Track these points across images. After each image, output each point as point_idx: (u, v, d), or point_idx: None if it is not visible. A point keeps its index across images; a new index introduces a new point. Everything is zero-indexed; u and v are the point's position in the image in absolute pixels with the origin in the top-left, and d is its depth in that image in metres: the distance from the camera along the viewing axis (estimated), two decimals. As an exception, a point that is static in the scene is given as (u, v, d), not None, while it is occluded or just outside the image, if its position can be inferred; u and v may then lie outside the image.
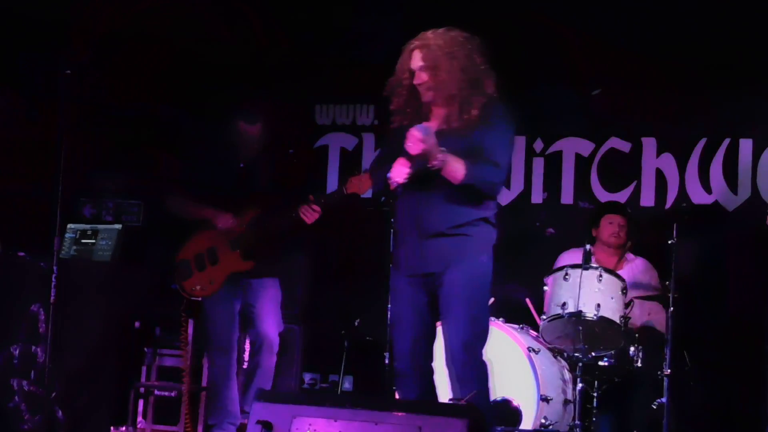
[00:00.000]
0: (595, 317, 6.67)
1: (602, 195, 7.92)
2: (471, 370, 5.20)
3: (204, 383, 7.28)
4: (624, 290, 6.81)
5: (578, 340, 6.72)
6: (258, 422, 4.64)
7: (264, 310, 6.92)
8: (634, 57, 7.66)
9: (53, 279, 5.92)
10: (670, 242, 6.61)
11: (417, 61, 5.23)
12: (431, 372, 5.36)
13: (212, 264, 6.86)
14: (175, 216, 7.02)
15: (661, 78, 7.70)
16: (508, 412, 6.67)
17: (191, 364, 7.18)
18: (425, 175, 5.14)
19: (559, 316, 6.74)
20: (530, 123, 7.84)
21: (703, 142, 7.77)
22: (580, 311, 6.68)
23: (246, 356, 7.28)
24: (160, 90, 8.38)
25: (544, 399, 6.67)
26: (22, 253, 6.47)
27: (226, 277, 6.83)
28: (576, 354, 6.74)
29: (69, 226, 7.33)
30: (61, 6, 7.83)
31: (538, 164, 8.10)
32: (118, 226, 7.39)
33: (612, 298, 6.75)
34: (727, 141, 7.72)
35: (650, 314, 7.24)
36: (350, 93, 8.38)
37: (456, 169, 5.13)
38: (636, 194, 7.88)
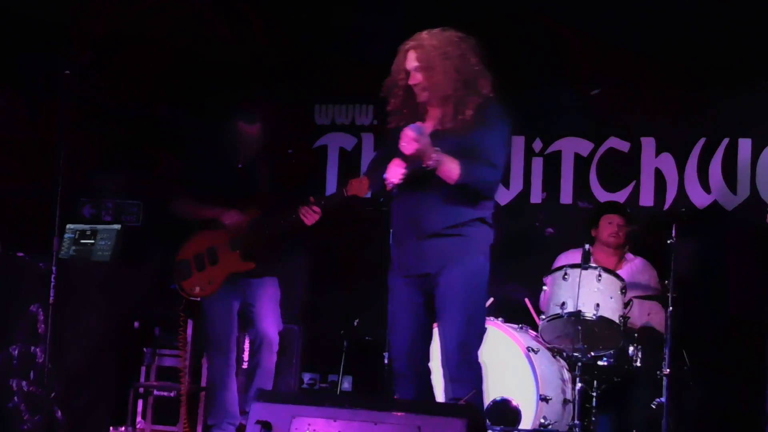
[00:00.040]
0: (594, 317, 6.67)
1: (601, 195, 7.92)
2: (465, 370, 5.20)
3: (203, 383, 7.28)
4: (623, 290, 6.81)
5: (577, 340, 6.72)
6: (257, 422, 4.65)
7: (263, 309, 6.92)
8: (633, 57, 7.66)
9: (52, 279, 5.93)
10: (669, 242, 6.60)
11: (412, 61, 5.23)
12: (428, 372, 5.36)
13: (212, 264, 6.86)
14: (180, 218, 7.02)
15: (660, 78, 7.70)
16: (508, 412, 6.67)
17: (191, 364, 7.18)
18: (421, 175, 5.14)
19: (559, 316, 6.74)
20: (529, 123, 7.85)
21: (702, 141, 7.77)
22: (580, 311, 6.68)
23: (245, 356, 7.28)
24: (160, 90, 8.38)
25: (544, 399, 6.68)
26: (21, 254, 6.48)
27: (225, 278, 6.84)
28: (575, 354, 6.74)
29: (68, 226, 7.32)
30: (61, 6, 7.83)
31: (537, 164, 8.10)
32: (118, 227, 7.38)
33: (611, 298, 6.75)
34: (726, 141, 7.72)
35: (650, 314, 7.24)
36: (349, 93, 8.38)
37: (451, 168, 5.13)
38: (635, 194, 7.88)
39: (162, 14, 8.01)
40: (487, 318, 6.76)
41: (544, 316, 6.85)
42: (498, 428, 6.61)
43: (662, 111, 7.83)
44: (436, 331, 5.34)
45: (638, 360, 6.87)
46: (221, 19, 8.23)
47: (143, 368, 7.47)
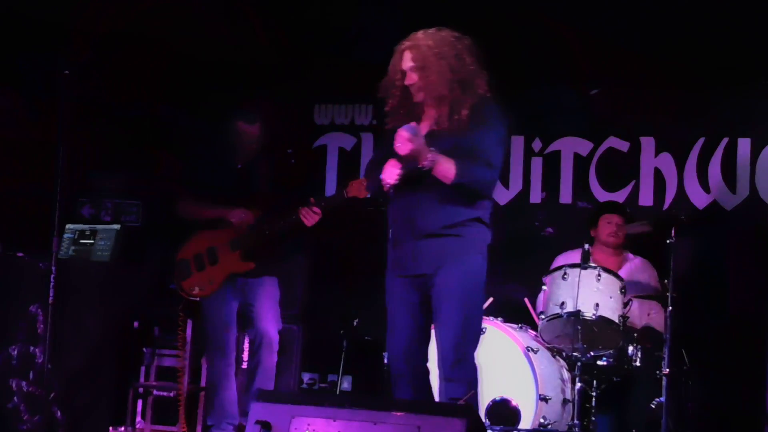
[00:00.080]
0: (593, 317, 6.68)
1: (601, 194, 7.92)
2: (460, 370, 5.19)
3: (203, 383, 7.28)
4: (623, 290, 6.81)
5: (577, 340, 6.72)
6: (257, 422, 4.65)
7: (263, 308, 6.92)
8: (632, 57, 7.66)
9: (52, 279, 5.92)
10: (668, 242, 6.60)
11: (407, 61, 5.23)
12: (426, 372, 5.35)
13: (211, 264, 6.86)
14: (185, 218, 7.02)
15: (659, 77, 7.70)
16: (507, 412, 6.67)
17: (190, 364, 7.18)
18: (417, 175, 5.14)
19: (558, 316, 6.74)
20: (529, 123, 7.86)
21: (701, 141, 7.77)
22: (579, 311, 6.68)
23: (245, 356, 7.28)
24: (159, 90, 8.38)
25: (543, 398, 6.67)
26: (21, 254, 6.48)
27: (225, 278, 6.84)
28: (575, 353, 6.74)
29: (67, 226, 7.32)
30: (61, 6, 7.83)
31: (537, 164, 8.10)
32: (117, 227, 7.38)
33: (611, 298, 6.75)
34: (725, 140, 7.72)
35: (650, 314, 7.24)
36: (349, 93, 8.38)
37: (447, 168, 5.13)
38: (634, 194, 7.88)
39: (162, 14, 8.01)
40: (487, 318, 6.79)
41: (543, 316, 6.85)
42: (497, 428, 6.61)
43: (662, 111, 7.83)
44: (434, 332, 5.35)
45: (638, 360, 6.87)
46: (221, 19, 8.23)
47: (143, 368, 7.46)
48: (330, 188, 8.34)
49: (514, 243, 7.39)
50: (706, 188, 7.74)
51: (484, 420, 6.31)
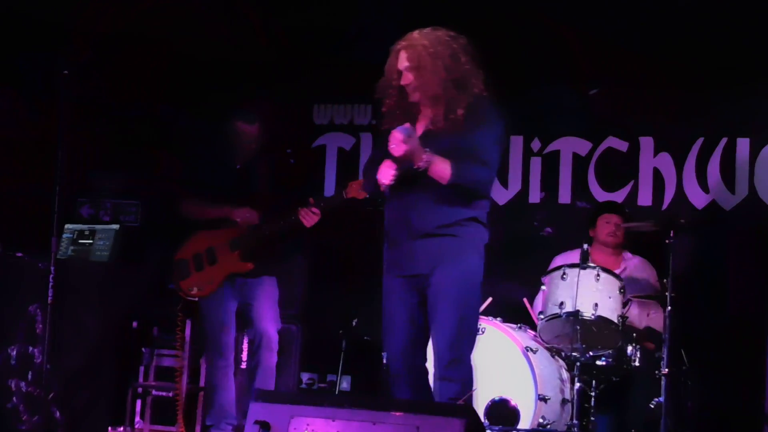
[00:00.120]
0: (592, 317, 6.67)
1: (600, 194, 7.92)
2: (454, 370, 5.17)
3: (202, 383, 7.28)
4: (622, 290, 6.81)
5: (576, 340, 6.72)
6: (256, 422, 4.65)
7: (262, 308, 6.92)
8: (631, 57, 7.66)
9: (51, 279, 5.92)
10: (667, 241, 6.61)
11: (403, 61, 5.22)
12: (425, 372, 5.34)
13: (210, 264, 6.87)
14: (187, 219, 7.02)
15: (658, 77, 7.70)
16: (506, 412, 6.68)
17: (189, 364, 7.19)
18: (413, 176, 5.13)
19: (557, 316, 6.74)
20: (528, 122, 7.86)
21: (700, 141, 7.77)
22: (578, 311, 6.68)
23: (244, 356, 7.27)
24: (159, 90, 8.38)
25: (542, 398, 6.67)
26: (20, 254, 6.48)
27: (224, 278, 6.84)
28: (574, 353, 6.75)
29: (66, 226, 7.32)
30: (61, 6, 7.84)
31: (536, 164, 8.10)
32: (116, 227, 7.37)
33: (610, 298, 6.75)
34: (724, 140, 7.71)
35: (650, 315, 7.25)
36: (348, 93, 8.38)
37: (442, 169, 5.12)
38: (633, 193, 7.88)
39: (162, 14, 8.02)
40: (486, 318, 6.79)
41: (542, 316, 6.85)
42: (497, 428, 6.61)
43: (661, 111, 7.82)
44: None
45: (637, 360, 6.87)
46: (221, 19, 8.24)
47: (142, 368, 7.48)
48: (329, 188, 8.35)
49: (513, 243, 7.39)
50: (705, 188, 7.74)
51: (483, 420, 6.32)
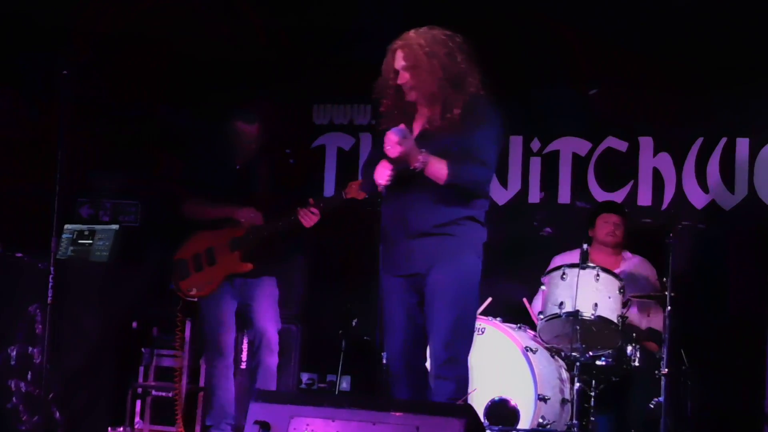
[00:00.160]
0: (592, 316, 6.67)
1: (599, 194, 7.91)
2: (449, 369, 5.14)
3: (202, 384, 7.28)
4: (621, 289, 6.80)
5: (576, 340, 6.72)
6: (256, 422, 4.65)
7: (262, 308, 6.92)
8: (631, 57, 7.66)
9: (50, 280, 5.93)
10: (667, 241, 6.61)
11: (400, 60, 5.21)
12: (424, 372, 5.32)
13: (209, 264, 6.87)
14: (190, 219, 7.02)
15: (658, 77, 7.70)
16: (506, 412, 6.68)
17: (189, 364, 7.19)
18: (410, 176, 5.12)
19: (557, 316, 6.74)
20: (527, 122, 7.86)
21: (699, 141, 7.77)
22: (578, 311, 6.68)
23: (244, 356, 7.27)
24: (159, 90, 8.39)
25: (542, 398, 6.67)
26: (20, 254, 6.48)
27: (223, 278, 6.84)
28: (573, 353, 6.74)
29: (66, 226, 7.31)
30: (61, 6, 7.84)
31: (535, 164, 8.10)
32: (116, 227, 7.37)
33: (609, 298, 6.75)
34: (723, 140, 7.71)
35: (649, 315, 7.25)
36: (348, 93, 8.37)
37: (438, 169, 5.10)
38: (633, 193, 7.87)
39: (162, 14, 8.02)
40: (486, 318, 6.79)
41: (542, 316, 6.85)
42: (496, 428, 6.61)
43: (660, 111, 7.82)
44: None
45: (636, 360, 6.87)
46: (221, 19, 8.24)
47: (141, 368, 7.47)
48: (329, 188, 8.34)
49: (513, 243, 7.40)
50: (705, 188, 7.74)
51: (482, 420, 6.32)
